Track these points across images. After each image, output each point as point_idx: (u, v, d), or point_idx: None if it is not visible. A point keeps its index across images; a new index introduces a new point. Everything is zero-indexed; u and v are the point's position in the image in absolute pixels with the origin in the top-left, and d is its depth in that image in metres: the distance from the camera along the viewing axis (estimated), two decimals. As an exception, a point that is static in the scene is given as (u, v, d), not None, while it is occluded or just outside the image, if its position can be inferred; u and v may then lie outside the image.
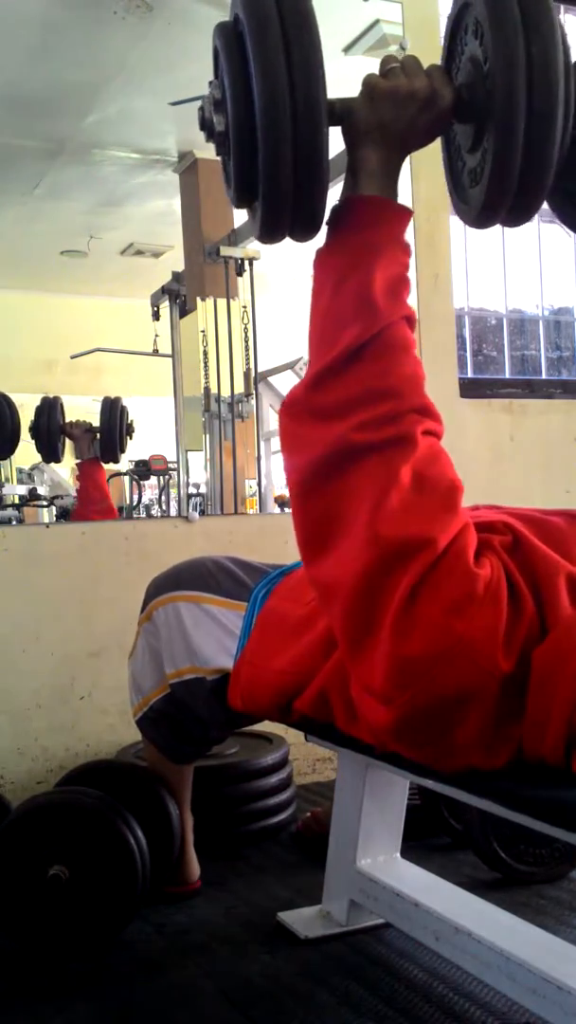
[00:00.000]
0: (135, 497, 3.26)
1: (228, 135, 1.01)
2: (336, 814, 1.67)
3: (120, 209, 3.50)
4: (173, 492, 3.19)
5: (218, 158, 1.11)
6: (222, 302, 2.96)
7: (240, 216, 2.43)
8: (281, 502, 3.17)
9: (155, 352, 3.21)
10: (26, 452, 3.19)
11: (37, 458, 3.18)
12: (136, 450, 3.23)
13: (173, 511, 3.14)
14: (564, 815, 1.01)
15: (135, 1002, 1.44)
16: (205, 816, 1.92)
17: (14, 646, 2.32)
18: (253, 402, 2.98)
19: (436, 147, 1.16)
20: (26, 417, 3.13)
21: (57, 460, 3.01)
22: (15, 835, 1.57)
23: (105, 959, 1.56)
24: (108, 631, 2.35)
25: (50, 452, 3.03)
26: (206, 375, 3.00)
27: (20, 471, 3.27)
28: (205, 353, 2.97)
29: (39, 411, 3.03)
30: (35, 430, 3.00)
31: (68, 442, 3.08)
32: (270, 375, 3.15)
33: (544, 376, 3.39)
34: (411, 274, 1.05)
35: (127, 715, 1.74)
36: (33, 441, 3.03)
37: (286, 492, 1.65)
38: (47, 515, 3.13)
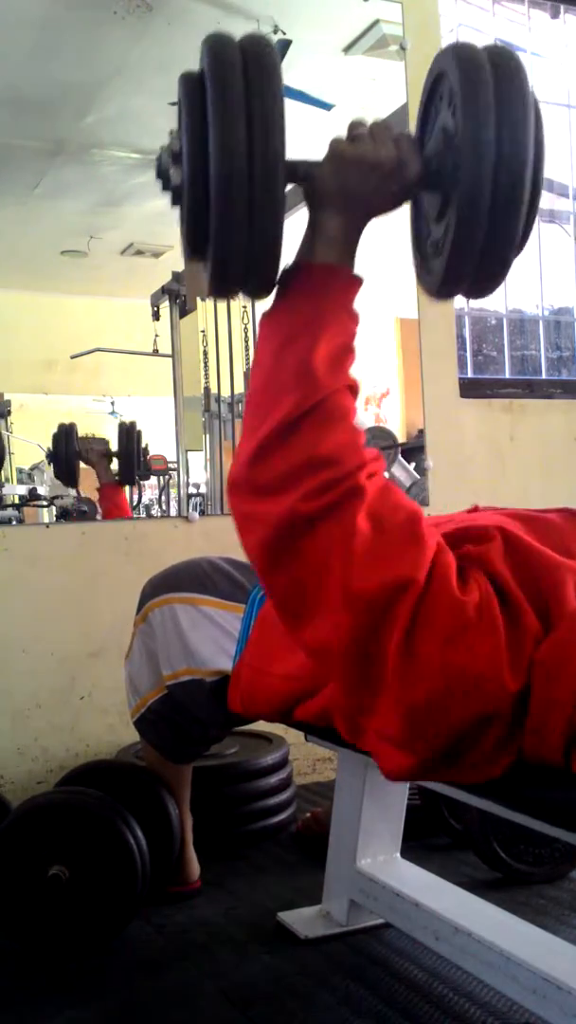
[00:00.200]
0: (135, 497, 3.26)
1: (183, 189, 0.98)
2: (336, 814, 1.67)
3: (120, 209, 3.50)
4: (173, 492, 3.19)
5: None
6: (222, 302, 2.96)
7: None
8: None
9: (155, 352, 3.21)
10: (26, 452, 3.19)
11: (37, 458, 3.18)
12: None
13: (173, 511, 3.14)
14: (564, 815, 1.01)
15: (135, 1002, 1.44)
16: (205, 816, 1.92)
17: (14, 646, 2.32)
18: (253, 402, 2.97)
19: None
20: (26, 417, 3.13)
21: (74, 486, 3.02)
22: (15, 835, 1.57)
23: (105, 959, 1.56)
24: (108, 631, 2.35)
25: (68, 478, 3.05)
26: (206, 375, 3.00)
27: (20, 471, 3.27)
28: (205, 353, 2.97)
29: (56, 438, 3.05)
30: (52, 456, 3.02)
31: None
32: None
33: (544, 376, 3.39)
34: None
35: (127, 715, 1.75)
36: (52, 466, 3.05)
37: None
38: (47, 515, 3.13)
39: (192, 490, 3.08)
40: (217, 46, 0.97)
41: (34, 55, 2.74)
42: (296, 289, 1.02)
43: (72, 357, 3.28)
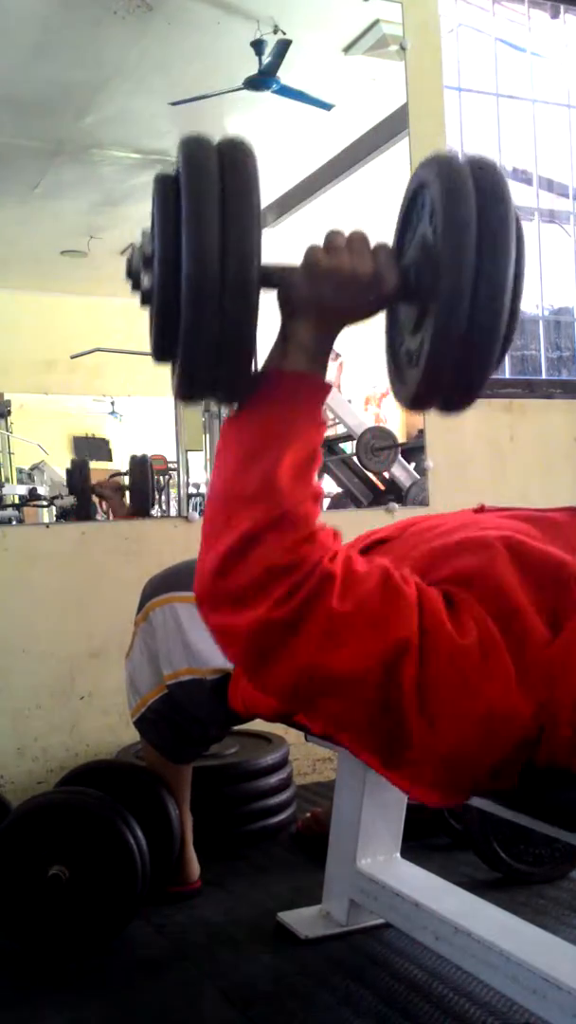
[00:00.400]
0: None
1: (153, 293, 0.95)
2: (336, 814, 1.67)
3: (119, 209, 3.49)
4: (173, 492, 3.19)
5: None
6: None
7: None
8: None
9: (155, 352, 3.21)
10: (26, 452, 3.19)
11: (37, 458, 3.19)
12: (136, 450, 3.23)
13: (173, 511, 3.14)
14: (564, 815, 1.01)
15: (135, 1002, 1.44)
16: (205, 816, 1.92)
17: (14, 646, 2.32)
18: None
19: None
20: (26, 417, 3.13)
21: (90, 518, 3.03)
22: (15, 835, 1.57)
23: (105, 959, 1.56)
24: (108, 631, 2.35)
25: (83, 511, 3.06)
26: (206, 375, 2.98)
27: (20, 471, 3.27)
28: (205, 353, 2.95)
29: (70, 473, 3.06)
30: (69, 489, 3.03)
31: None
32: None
33: (544, 376, 3.39)
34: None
35: (127, 715, 1.75)
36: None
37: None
38: (47, 515, 3.13)
39: (192, 490, 3.08)
40: (193, 150, 0.94)
41: (34, 55, 2.74)
42: (265, 396, 0.99)
43: (72, 357, 3.28)
